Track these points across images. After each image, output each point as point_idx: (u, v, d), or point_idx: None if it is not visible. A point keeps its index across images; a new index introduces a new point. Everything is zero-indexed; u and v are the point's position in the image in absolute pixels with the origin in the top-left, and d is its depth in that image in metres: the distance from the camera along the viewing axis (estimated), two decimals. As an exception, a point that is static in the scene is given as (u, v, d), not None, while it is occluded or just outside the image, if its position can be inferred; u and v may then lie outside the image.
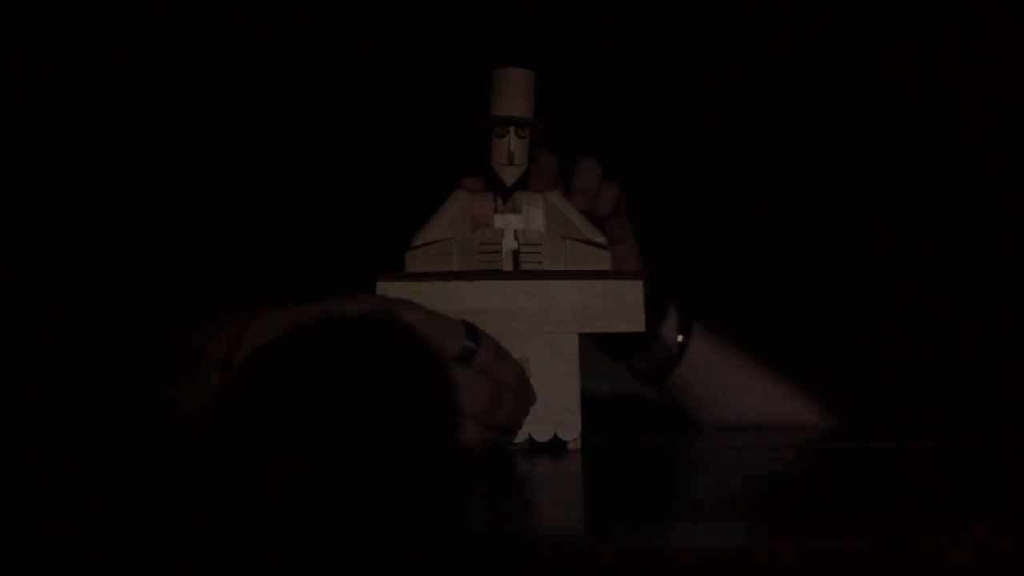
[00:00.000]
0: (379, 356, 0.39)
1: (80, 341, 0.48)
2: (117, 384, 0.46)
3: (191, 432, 0.43)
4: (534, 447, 0.50)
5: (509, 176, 0.52)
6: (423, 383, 0.39)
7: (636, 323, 0.52)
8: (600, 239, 0.53)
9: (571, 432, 0.50)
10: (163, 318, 0.48)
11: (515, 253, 0.52)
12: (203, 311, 0.46)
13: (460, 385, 0.41)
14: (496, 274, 0.51)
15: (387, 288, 0.50)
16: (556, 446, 0.50)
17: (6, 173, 0.60)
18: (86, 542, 0.27)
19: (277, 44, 0.78)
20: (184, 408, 0.44)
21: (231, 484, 0.38)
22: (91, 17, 0.66)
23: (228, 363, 0.42)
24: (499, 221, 0.53)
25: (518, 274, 0.51)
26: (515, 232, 0.52)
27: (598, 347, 0.68)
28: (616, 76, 0.94)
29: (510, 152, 0.52)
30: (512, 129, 0.52)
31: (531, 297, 0.51)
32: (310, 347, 0.39)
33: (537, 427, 0.49)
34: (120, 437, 0.45)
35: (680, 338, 0.68)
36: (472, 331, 0.44)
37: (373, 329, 0.40)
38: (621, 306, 0.51)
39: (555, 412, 0.50)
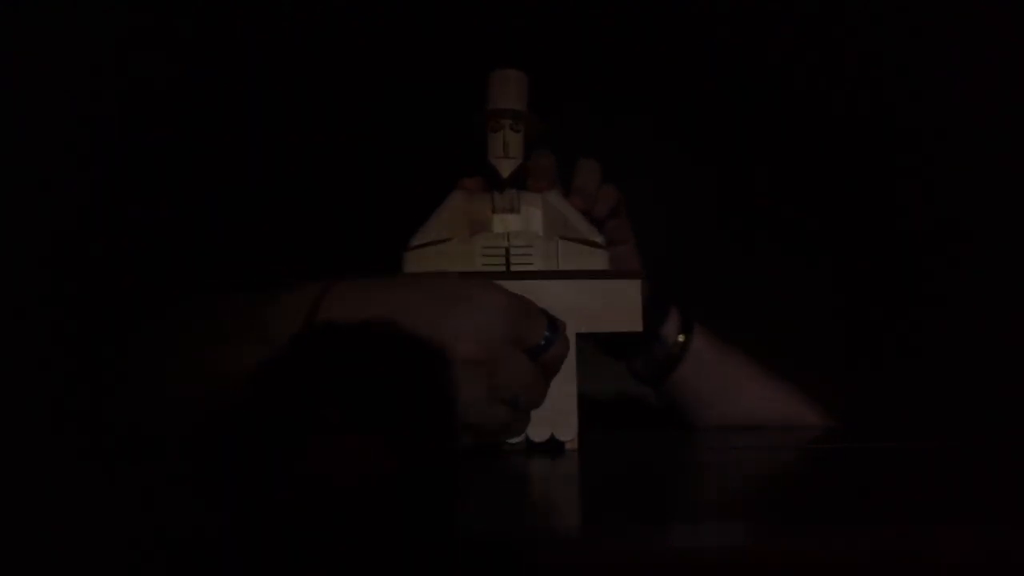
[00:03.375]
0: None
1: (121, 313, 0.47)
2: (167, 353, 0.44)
3: (246, 397, 0.42)
4: (531, 447, 0.50)
5: (505, 167, 0.52)
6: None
7: (634, 323, 0.51)
8: (598, 239, 0.53)
9: (568, 432, 0.50)
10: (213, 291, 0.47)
11: (507, 251, 0.52)
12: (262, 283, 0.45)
13: (523, 381, 0.43)
14: (494, 275, 0.51)
15: None
16: (553, 446, 0.50)
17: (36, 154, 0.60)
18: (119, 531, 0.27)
19: (277, 44, 0.78)
20: (244, 368, 0.42)
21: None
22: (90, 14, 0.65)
23: (304, 328, 0.42)
24: (497, 221, 0.52)
25: (516, 274, 0.51)
26: (507, 234, 0.52)
27: (598, 347, 0.68)
28: (616, 77, 0.94)
29: (505, 143, 0.52)
30: (507, 123, 0.52)
31: (528, 297, 0.51)
32: (372, 340, 0.39)
33: (534, 427, 0.49)
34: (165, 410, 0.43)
35: (681, 338, 0.68)
36: (552, 323, 0.45)
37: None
38: (619, 305, 0.51)
39: (552, 412, 0.49)
